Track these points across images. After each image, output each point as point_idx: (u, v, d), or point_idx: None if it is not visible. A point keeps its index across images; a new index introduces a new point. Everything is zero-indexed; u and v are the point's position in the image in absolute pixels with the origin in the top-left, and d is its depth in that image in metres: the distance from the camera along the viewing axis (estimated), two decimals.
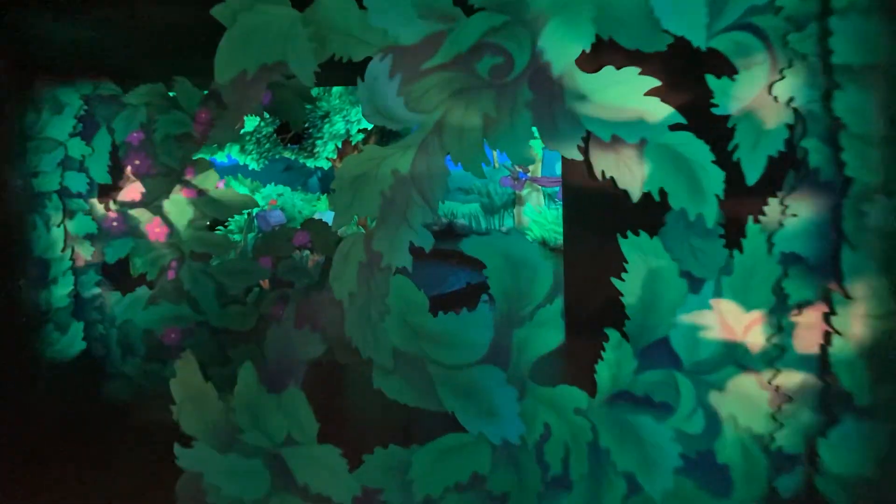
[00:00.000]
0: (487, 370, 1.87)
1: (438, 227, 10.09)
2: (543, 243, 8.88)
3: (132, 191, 3.19)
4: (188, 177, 3.07)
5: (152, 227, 3.08)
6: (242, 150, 10.25)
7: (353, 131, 9.52)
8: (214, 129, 3.06)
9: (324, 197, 11.03)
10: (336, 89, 9.52)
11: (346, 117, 9.43)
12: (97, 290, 3.29)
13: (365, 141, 10.17)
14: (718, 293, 1.82)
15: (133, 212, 3.14)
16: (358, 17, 1.87)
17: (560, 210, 8.63)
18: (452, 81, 1.83)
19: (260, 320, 3.00)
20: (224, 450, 2.06)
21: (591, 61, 1.80)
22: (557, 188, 9.36)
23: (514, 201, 9.97)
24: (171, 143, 3.04)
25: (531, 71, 1.81)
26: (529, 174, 9.24)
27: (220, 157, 10.42)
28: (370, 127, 9.56)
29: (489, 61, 1.82)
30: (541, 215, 8.80)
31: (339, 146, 9.91)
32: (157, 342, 3.05)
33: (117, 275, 3.28)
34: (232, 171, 10.80)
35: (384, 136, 10.59)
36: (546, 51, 1.80)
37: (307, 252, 2.93)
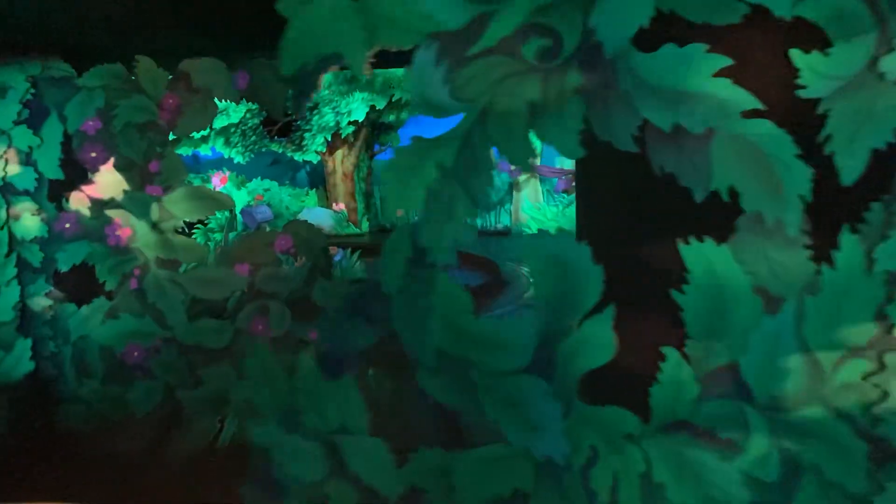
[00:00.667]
0: (531, 380, 1.79)
1: None
2: None
3: (92, 187, 2.81)
4: (153, 171, 2.71)
5: (112, 230, 2.71)
6: (227, 143, 9.94)
7: (343, 123, 9.16)
8: (184, 116, 2.72)
9: (312, 192, 10.69)
10: (325, 79, 9.14)
11: (335, 109, 9.07)
12: (48, 302, 2.90)
13: (355, 134, 9.83)
14: (801, 316, 1.50)
15: (91, 212, 2.77)
16: (406, 4, 1.78)
17: (560, 207, 8.36)
18: (497, 67, 1.70)
19: (236, 336, 2.64)
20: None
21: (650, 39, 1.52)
22: (556, 180, 9.09)
23: (511, 189, 9.61)
24: (133, 133, 2.68)
25: (582, 52, 1.62)
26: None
27: (205, 150, 10.09)
28: (360, 119, 9.20)
29: (536, 43, 1.65)
30: (540, 212, 8.51)
31: (329, 139, 9.58)
32: (117, 361, 2.70)
33: (71, 284, 2.90)
34: (216, 164, 10.44)
35: (375, 128, 10.26)
36: (598, 28, 1.59)
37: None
